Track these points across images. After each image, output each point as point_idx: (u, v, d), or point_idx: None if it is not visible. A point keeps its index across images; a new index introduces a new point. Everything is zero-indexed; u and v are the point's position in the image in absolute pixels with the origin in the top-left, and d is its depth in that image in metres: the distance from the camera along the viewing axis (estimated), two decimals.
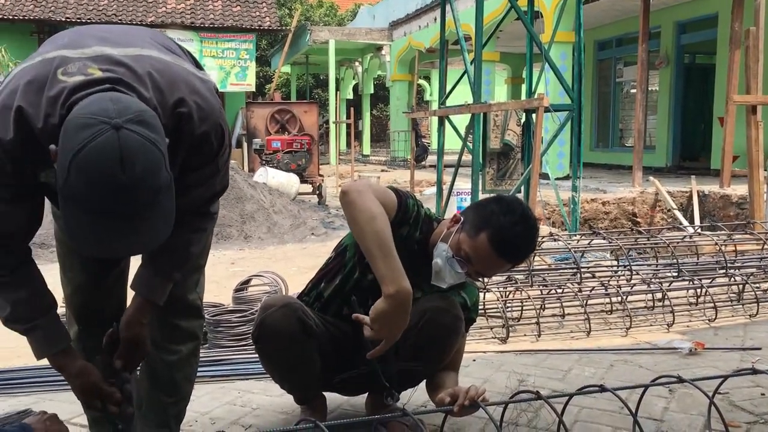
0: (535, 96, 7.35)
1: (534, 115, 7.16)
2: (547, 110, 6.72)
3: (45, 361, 3.30)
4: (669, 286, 4.22)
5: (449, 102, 9.04)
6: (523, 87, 8.51)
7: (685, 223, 8.51)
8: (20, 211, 1.57)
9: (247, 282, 4.22)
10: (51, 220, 1.89)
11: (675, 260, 4.43)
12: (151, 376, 1.90)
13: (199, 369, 2.89)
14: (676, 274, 4.38)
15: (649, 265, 4.69)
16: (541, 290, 4.21)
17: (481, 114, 7.61)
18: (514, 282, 4.06)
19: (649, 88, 13.82)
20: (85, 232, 1.34)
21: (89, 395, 1.70)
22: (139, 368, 1.93)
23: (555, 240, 4.72)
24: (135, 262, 1.73)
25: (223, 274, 5.83)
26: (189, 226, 1.70)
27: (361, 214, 1.92)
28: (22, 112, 1.43)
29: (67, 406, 2.55)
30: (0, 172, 1.48)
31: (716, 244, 4.69)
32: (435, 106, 17.41)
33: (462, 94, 9.54)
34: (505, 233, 2.00)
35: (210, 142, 1.59)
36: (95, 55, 1.49)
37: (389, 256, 1.89)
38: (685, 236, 5.31)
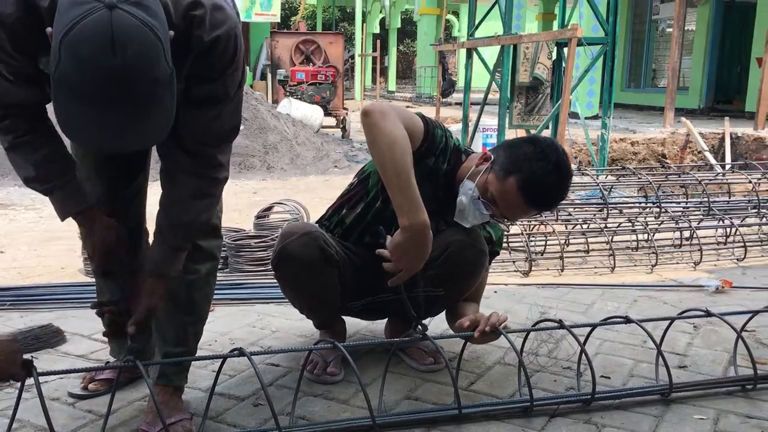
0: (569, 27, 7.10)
1: (566, 49, 6.93)
2: (579, 43, 6.49)
3: (68, 279, 3.34)
4: (698, 224, 4.13)
5: (478, 36, 8.79)
6: (555, 23, 8.22)
7: (716, 164, 8.31)
8: (23, 91, 1.51)
9: (268, 209, 4.19)
10: None
11: (706, 198, 4.32)
12: (171, 296, 1.87)
13: (219, 292, 2.92)
14: (706, 212, 4.27)
15: (679, 203, 4.58)
16: (565, 225, 4.14)
17: (511, 46, 7.39)
18: (539, 215, 3.99)
19: (686, 27, 13.33)
20: (77, 122, 1.26)
21: (106, 257, 1.69)
22: None
23: (582, 175, 4.61)
24: (154, 180, 1.68)
25: (245, 203, 5.82)
26: (194, 192, 1.63)
27: (381, 138, 1.83)
28: None
29: (86, 322, 2.57)
30: None
31: (750, 182, 4.55)
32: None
33: (491, 30, 9.27)
34: (536, 181, 1.91)
35: (219, 50, 1.49)
36: None
37: (407, 186, 1.81)
38: (717, 174, 5.17)
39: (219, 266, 2.01)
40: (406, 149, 1.84)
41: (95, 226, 1.67)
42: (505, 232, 3.83)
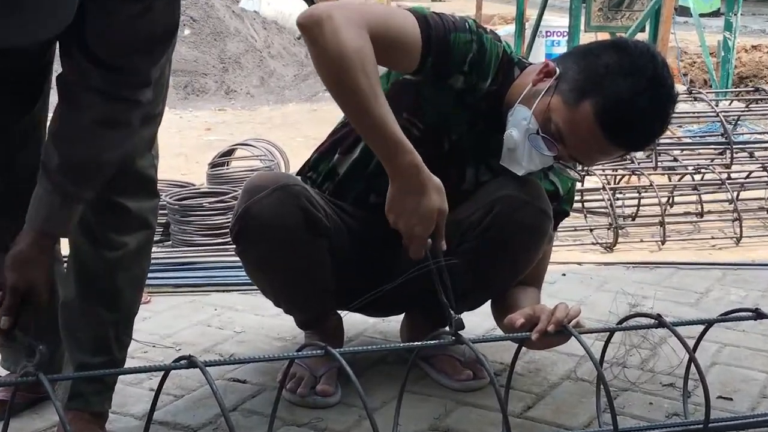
0: None
1: None
2: None
3: None
4: None
5: None
6: None
7: None
8: None
9: (229, 153, 4.21)
10: None
11: None
12: (84, 282, 1.89)
13: (157, 275, 2.96)
14: None
15: None
16: (669, 176, 4.13)
17: None
18: (628, 162, 3.98)
19: None
20: None
21: None
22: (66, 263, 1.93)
23: (694, 101, 4.58)
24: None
25: (195, 144, 5.86)
26: (101, 117, 1.62)
27: (326, 60, 1.85)
28: None
29: None
30: None
31: None
32: None
33: None
34: (623, 106, 1.90)
35: None
36: None
37: (372, 116, 1.84)
38: None
39: (156, 237, 2.03)
40: (364, 67, 1.84)
41: None
42: (578, 184, 3.83)
